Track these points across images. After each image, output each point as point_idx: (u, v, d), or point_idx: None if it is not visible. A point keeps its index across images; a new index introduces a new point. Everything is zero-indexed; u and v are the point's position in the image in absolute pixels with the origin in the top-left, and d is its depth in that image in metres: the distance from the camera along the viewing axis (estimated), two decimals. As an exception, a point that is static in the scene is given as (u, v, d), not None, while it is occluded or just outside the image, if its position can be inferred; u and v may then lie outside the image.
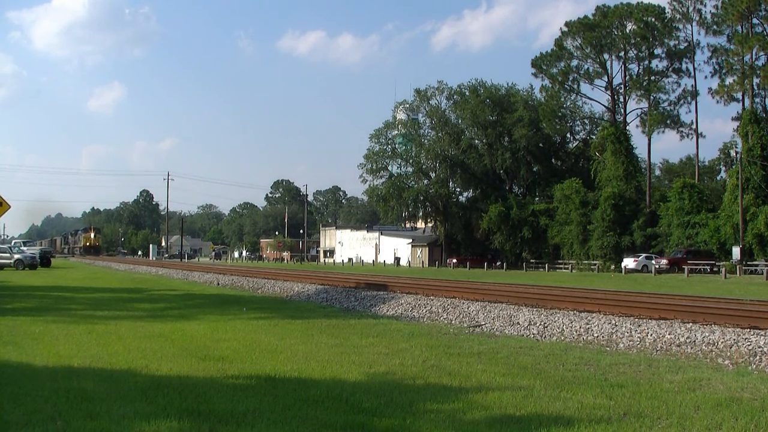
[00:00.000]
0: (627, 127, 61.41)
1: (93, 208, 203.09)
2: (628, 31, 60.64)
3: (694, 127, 60.81)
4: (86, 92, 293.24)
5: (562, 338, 11.54)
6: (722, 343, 9.76)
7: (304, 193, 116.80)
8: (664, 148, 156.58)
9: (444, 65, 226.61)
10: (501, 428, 5.46)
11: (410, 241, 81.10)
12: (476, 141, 71.70)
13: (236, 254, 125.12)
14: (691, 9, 58.98)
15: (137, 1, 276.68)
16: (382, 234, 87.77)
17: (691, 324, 11.17)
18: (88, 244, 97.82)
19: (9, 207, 20.67)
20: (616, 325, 11.50)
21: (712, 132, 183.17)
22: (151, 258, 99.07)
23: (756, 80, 52.79)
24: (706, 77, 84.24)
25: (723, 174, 75.97)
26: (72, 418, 5.56)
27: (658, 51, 61.29)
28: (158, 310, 16.25)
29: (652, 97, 60.02)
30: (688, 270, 41.97)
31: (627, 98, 62.74)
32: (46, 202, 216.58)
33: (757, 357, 9.03)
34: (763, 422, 5.75)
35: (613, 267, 52.71)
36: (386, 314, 15.57)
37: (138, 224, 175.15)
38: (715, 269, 45.34)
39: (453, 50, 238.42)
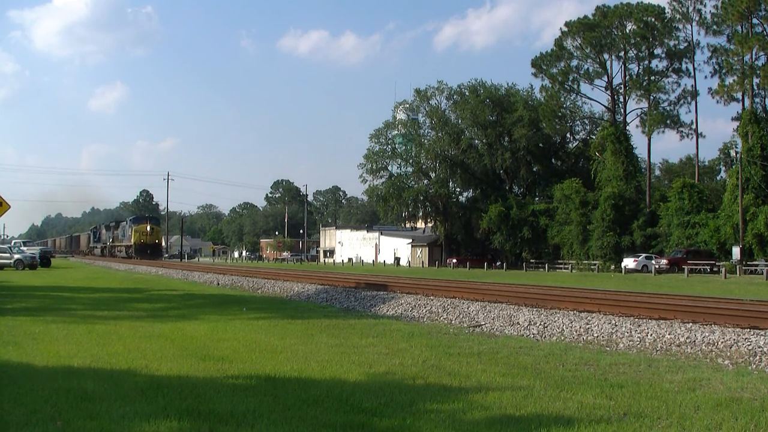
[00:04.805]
0: (627, 127, 61.48)
1: (93, 208, 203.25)
2: (628, 31, 60.64)
3: (694, 127, 60.96)
4: (87, 92, 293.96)
5: (562, 338, 11.53)
6: (722, 343, 9.75)
7: (304, 193, 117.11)
8: (664, 148, 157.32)
9: (446, 65, 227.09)
10: (501, 428, 5.46)
11: (410, 241, 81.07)
12: (476, 141, 71.69)
13: (236, 254, 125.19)
14: (691, 9, 59.05)
15: (139, 0, 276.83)
16: (382, 234, 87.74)
17: (691, 324, 11.17)
18: (143, 241, 65.00)
19: (9, 207, 20.67)
20: (616, 325, 11.50)
21: (712, 132, 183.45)
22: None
23: (756, 80, 52.78)
24: (706, 77, 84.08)
25: (723, 174, 76.06)
26: (72, 418, 5.56)
27: (658, 51, 61.35)
28: (158, 310, 16.24)
29: (652, 97, 60.04)
30: (688, 270, 41.95)
31: (627, 98, 62.76)
32: (49, 202, 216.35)
33: (757, 357, 9.03)
34: (763, 422, 5.75)
35: (613, 267, 52.68)
36: (386, 314, 15.56)
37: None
38: (715, 269, 45.33)
39: (455, 50, 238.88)
